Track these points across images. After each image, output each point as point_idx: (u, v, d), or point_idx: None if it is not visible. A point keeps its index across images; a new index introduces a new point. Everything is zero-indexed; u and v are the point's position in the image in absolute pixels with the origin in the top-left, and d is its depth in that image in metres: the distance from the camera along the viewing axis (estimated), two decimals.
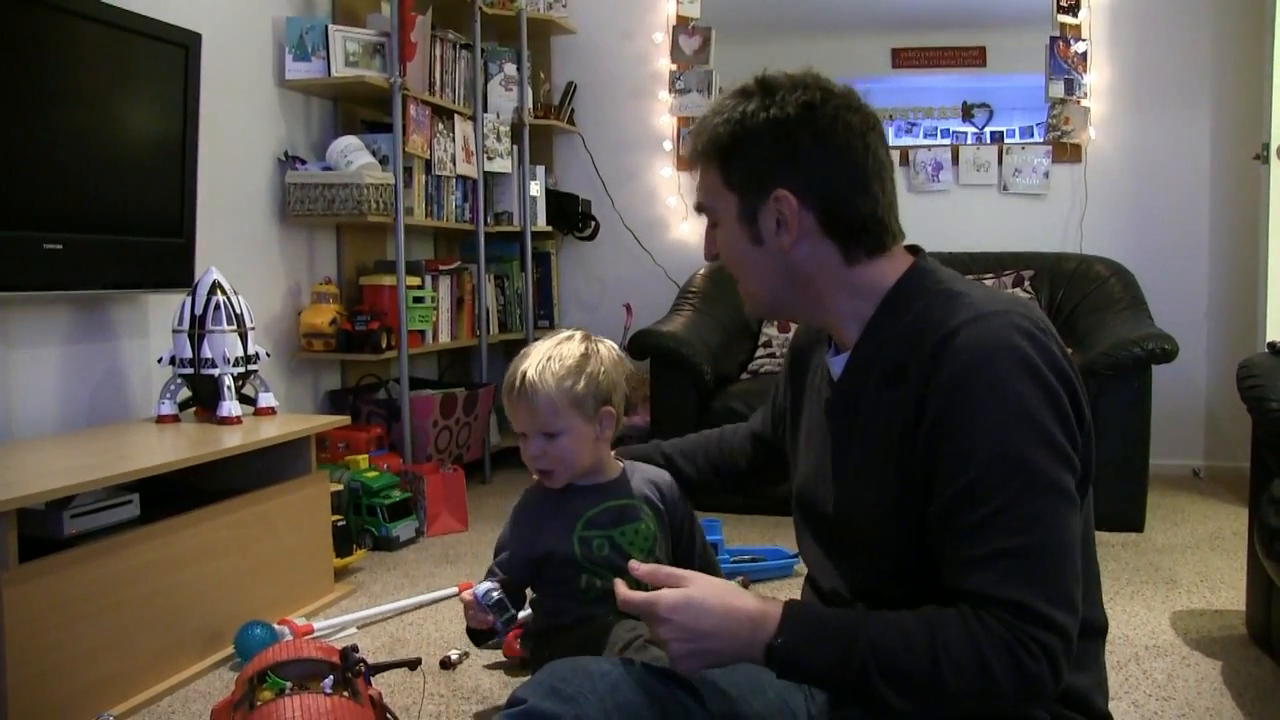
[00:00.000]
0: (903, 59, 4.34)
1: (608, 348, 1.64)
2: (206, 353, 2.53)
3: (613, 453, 1.69)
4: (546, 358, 1.58)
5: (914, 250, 1.23)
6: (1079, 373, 1.11)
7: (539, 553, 1.62)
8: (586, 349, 1.61)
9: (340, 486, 2.96)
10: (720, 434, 1.68)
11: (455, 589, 2.63)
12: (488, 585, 1.54)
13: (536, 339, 1.65)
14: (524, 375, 1.57)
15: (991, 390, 1.04)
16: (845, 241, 1.17)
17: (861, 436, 1.16)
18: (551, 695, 1.07)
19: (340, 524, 2.78)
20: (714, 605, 1.07)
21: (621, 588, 1.14)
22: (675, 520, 1.69)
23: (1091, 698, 1.16)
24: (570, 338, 1.63)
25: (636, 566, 1.16)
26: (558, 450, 1.58)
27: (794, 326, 1.58)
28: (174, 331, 2.57)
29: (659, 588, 1.10)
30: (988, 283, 3.86)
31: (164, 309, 2.74)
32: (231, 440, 2.34)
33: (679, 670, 1.10)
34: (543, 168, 4.32)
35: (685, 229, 4.46)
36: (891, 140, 4.33)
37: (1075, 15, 4.10)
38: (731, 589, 1.10)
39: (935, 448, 1.06)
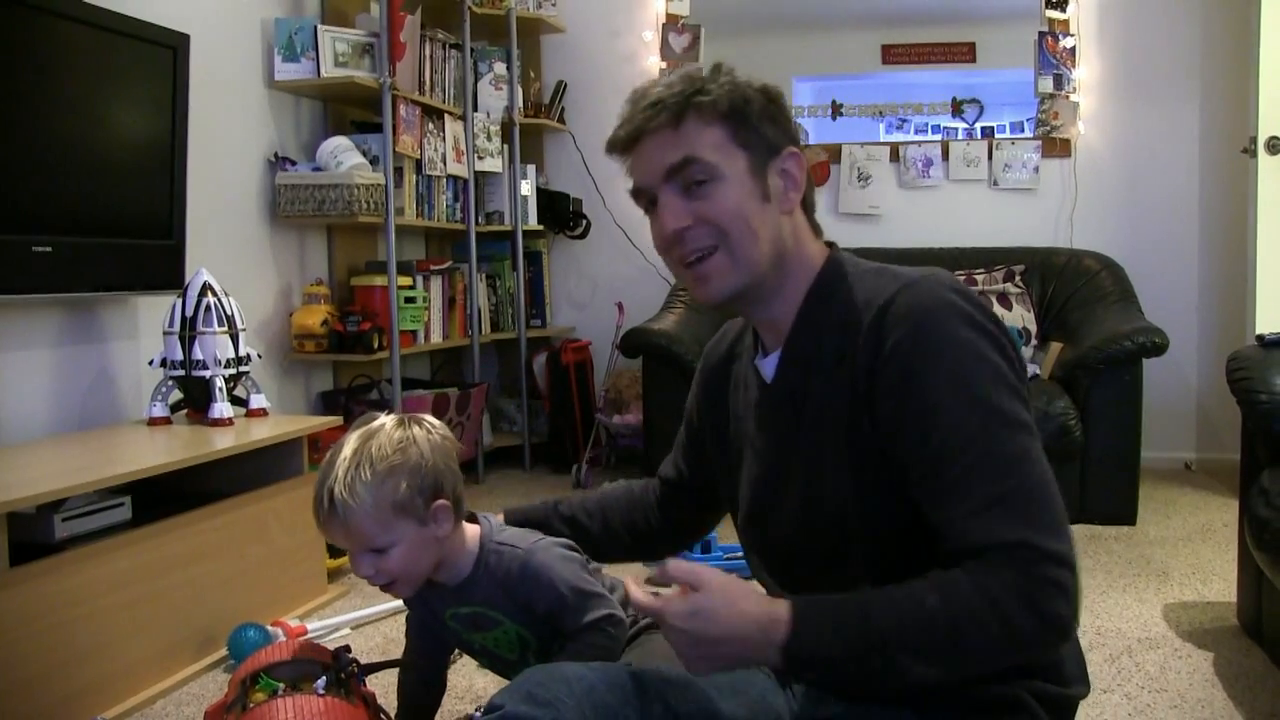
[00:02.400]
0: (892, 55, 4.34)
1: (425, 429, 1.39)
2: (198, 354, 2.53)
3: (477, 531, 1.46)
4: (355, 465, 1.31)
5: (828, 244, 1.28)
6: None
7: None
8: (402, 438, 1.35)
9: None
10: (627, 484, 1.59)
11: None
12: None
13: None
14: (330, 494, 1.31)
15: (942, 344, 1.07)
16: (811, 216, 1.25)
17: (807, 430, 1.16)
18: (528, 700, 1.07)
19: None
20: (722, 612, 1.04)
21: (632, 588, 1.11)
22: (543, 607, 1.42)
23: (1062, 666, 1.16)
24: (380, 428, 1.36)
25: (662, 570, 1.09)
26: (391, 566, 1.35)
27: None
28: (165, 333, 2.57)
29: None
30: (978, 279, 3.87)
31: (155, 311, 2.73)
32: (223, 442, 2.34)
33: (694, 672, 1.09)
34: (533, 167, 4.32)
35: None
36: (882, 136, 4.36)
37: (1063, 10, 4.11)
38: (742, 591, 1.07)
39: (898, 413, 1.08)
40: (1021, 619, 0.99)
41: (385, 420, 1.38)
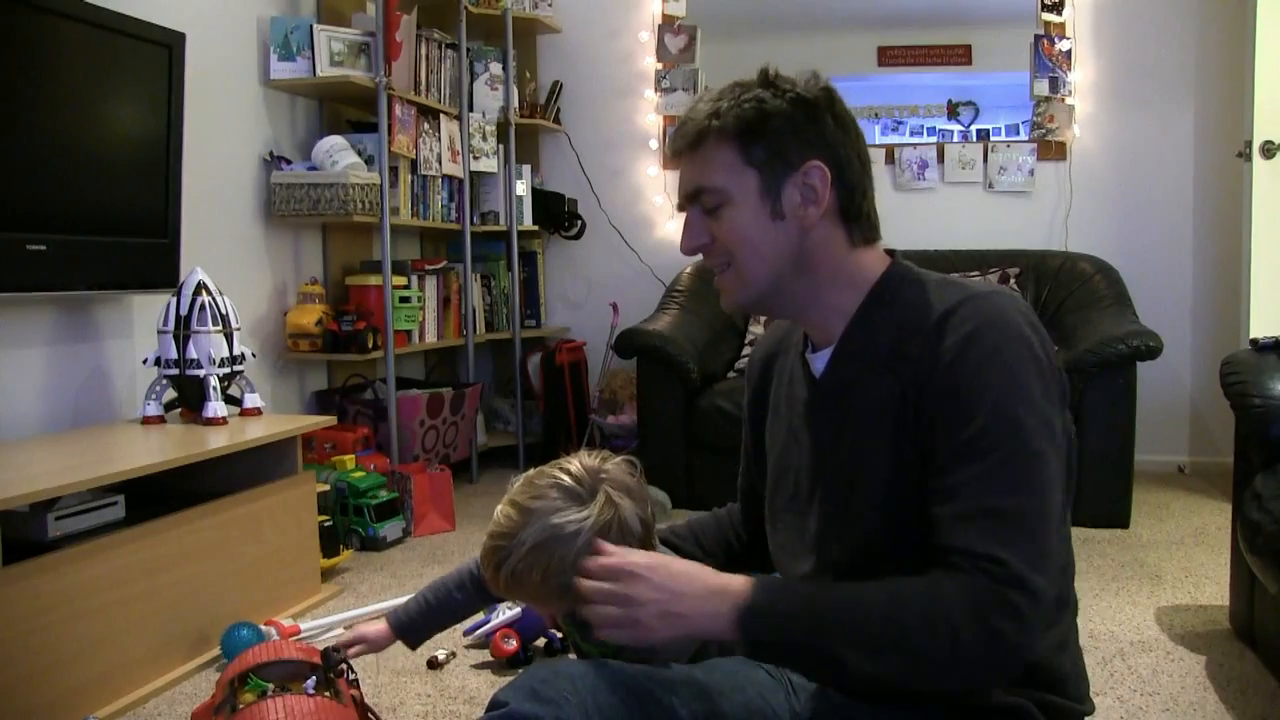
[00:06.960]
0: (888, 57, 4.35)
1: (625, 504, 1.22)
2: (192, 353, 2.53)
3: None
4: (519, 557, 1.18)
5: (889, 252, 1.26)
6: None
7: None
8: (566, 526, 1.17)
9: (327, 487, 2.95)
10: (712, 512, 1.56)
11: None
12: None
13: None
14: (499, 559, 1.21)
15: (995, 355, 1.08)
16: (851, 225, 1.20)
17: (853, 423, 1.17)
18: (533, 698, 1.06)
19: (327, 524, 2.77)
20: (684, 566, 1.11)
21: (589, 561, 1.12)
22: None
23: (1072, 680, 1.17)
24: (562, 528, 1.18)
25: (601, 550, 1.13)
26: None
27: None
28: (159, 332, 2.56)
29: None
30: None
31: (149, 310, 2.73)
32: (217, 441, 2.33)
33: (646, 636, 1.09)
34: (529, 167, 4.32)
35: (671, 227, 4.45)
36: (877, 138, 4.37)
37: (1059, 13, 4.12)
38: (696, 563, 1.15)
39: (938, 411, 1.09)
40: (965, 627, 0.99)
41: (583, 522, 1.18)
